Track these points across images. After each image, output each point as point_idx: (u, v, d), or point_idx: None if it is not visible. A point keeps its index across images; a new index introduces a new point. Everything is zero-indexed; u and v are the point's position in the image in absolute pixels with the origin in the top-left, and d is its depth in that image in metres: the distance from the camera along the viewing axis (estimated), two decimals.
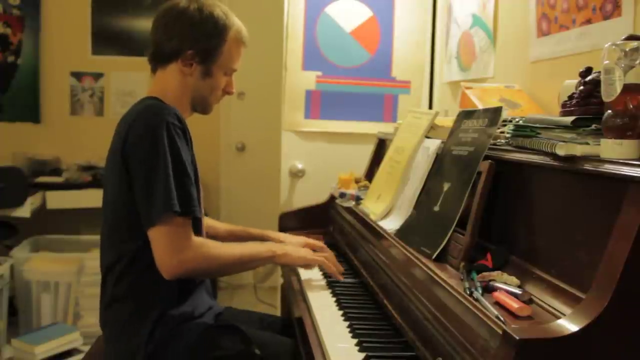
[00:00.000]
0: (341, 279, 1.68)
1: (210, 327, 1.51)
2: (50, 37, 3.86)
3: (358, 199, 2.10)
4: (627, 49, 0.96)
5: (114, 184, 1.47)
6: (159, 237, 1.39)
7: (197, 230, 1.52)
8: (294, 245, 1.82)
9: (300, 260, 1.64)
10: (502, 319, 0.91)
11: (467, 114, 1.50)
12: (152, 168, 1.39)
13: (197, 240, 1.44)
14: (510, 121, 1.31)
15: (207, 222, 1.88)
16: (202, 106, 1.62)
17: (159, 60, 1.59)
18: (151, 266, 1.43)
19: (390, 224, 1.65)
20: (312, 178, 2.97)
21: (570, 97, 1.17)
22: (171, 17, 1.55)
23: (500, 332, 0.85)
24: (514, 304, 0.97)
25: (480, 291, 1.04)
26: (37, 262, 3.13)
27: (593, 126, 1.05)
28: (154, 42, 1.58)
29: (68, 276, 3.10)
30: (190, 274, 1.45)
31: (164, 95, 1.56)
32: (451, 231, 1.29)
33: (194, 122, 1.66)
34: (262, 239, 1.87)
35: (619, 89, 0.96)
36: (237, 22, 1.60)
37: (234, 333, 1.51)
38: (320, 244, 1.89)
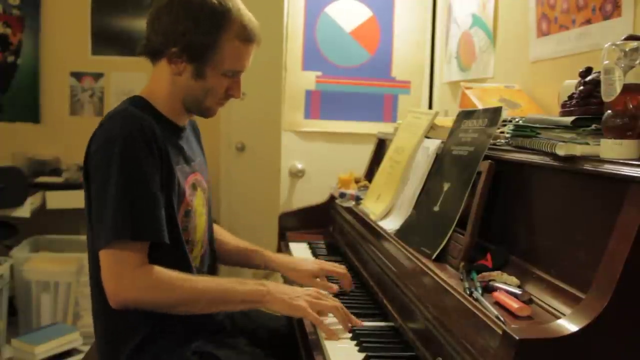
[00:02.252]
0: (348, 328, 1.34)
1: (192, 356, 1.35)
2: (50, 37, 3.86)
3: (358, 199, 2.10)
4: (627, 49, 0.96)
5: (84, 191, 1.38)
6: (104, 260, 1.25)
7: (177, 254, 1.36)
8: (308, 273, 1.59)
9: (297, 312, 1.35)
10: (502, 319, 0.91)
11: (467, 114, 1.50)
12: (102, 187, 1.26)
13: (147, 267, 1.26)
14: (510, 121, 1.32)
15: (219, 234, 1.70)
16: (197, 109, 1.44)
17: (149, 56, 1.42)
18: None
19: (390, 224, 1.64)
20: (312, 178, 2.97)
21: (570, 97, 1.17)
22: (160, 8, 1.37)
23: (500, 332, 0.85)
24: (514, 304, 0.97)
25: (480, 291, 1.04)
26: (36, 262, 3.13)
27: (593, 126, 1.05)
28: (145, 35, 1.40)
29: (68, 276, 3.10)
30: (136, 304, 1.26)
31: (154, 95, 1.42)
32: (451, 231, 1.29)
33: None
34: (266, 262, 1.66)
35: (618, 89, 0.96)
36: (241, 16, 1.36)
37: None
38: (339, 269, 1.62)
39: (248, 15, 1.39)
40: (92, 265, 1.37)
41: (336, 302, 1.38)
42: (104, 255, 1.26)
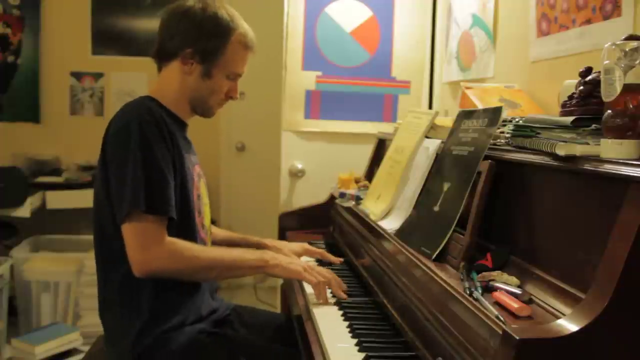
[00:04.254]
0: (344, 297, 1.53)
1: (199, 336, 1.48)
2: (50, 37, 3.86)
3: (358, 199, 2.10)
4: (627, 49, 0.96)
5: (97, 182, 1.48)
6: (127, 234, 1.38)
7: (190, 231, 1.49)
8: (291, 252, 1.78)
9: (293, 274, 1.54)
10: (502, 319, 0.91)
11: (467, 114, 1.50)
12: (122, 164, 1.39)
13: (168, 239, 1.40)
14: (510, 121, 1.32)
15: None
16: (201, 108, 1.60)
17: (161, 59, 1.58)
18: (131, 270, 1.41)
19: (390, 224, 1.65)
20: (312, 178, 2.97)
21: (570, 97, 1.17)
22: (175, 15, 1.55)
23: (500, 332, 0.85)
24: (514, 304, 0.97)
25: (480, 291, 1.04)
26: (37, 262, 3.13)
27: (593, 126, 1.06)
28: (158, 40, 1.57)
29: (68, 276, 3.10)
30: (160, 273, 1.40)
31: (163, 95, 1.56)
32: (451, 231, 1.29)
33: (194, 122, 1.65)
34: (259, 246, 1.83)
35: (619, 89, 0.96)
36: (243, 26, 1.57)
37: (222, 343, 1.49)
38: (320, 251, 1.86)
39: (247, 26, 1.60)
40: (98, 247, 1.50)
41: (329, 274, 1.55)
42: (128, 229, 1.38)
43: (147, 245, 1.37)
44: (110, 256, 1.46)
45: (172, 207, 1.41)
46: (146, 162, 1.39)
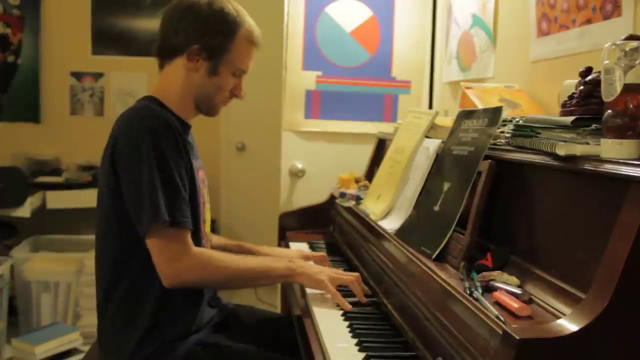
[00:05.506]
0: (364, 300, 1.51)
1: (195, 348, 1.45)
2: (50, 37, 3.86)
3: (358, 199, 2.10)
4: (627, 49, 0.96)
5: (103, 187, 1.44)
6: (153, 248, 1.37)
7: (196, 241, 1.46)
8: (297, 256, 1.79)
9: (318, 285, 1.51)
10: (502, 318, 0.91)
11: (467, 114, 1.50)
12: (137, 178, 1.35)
13: (196, 250, 1.40)
14: (510, 121, 1.32)
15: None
16: (206, 106, 1.55)
17: (165, 55, 1.53)
18: (137, 279, 1.40)
19: (390, 224, 1.65)
20: (312, 178, 2.97)
21: (570, 97, 1.17)
22: (179, 10, 1.50)
23: (500, 332, 0.85)
24: (514, 304, 0.97)
25: (480, 291, 1.04)
26: (37, 262, 3.13)
27: (593, 126, 1.06)
28: (161, 36, 1.52)
29: (68, 276, 3.10)
30: (191, 284, 1.40)
31: (165, 94, 1.51)
32: (451, 231, 1.29)
33: (194, 122, 1.65)
34: (251, 253, 1.82)
35: (619, 89, 0.96)
36: (249, 22, 1.54)
37: (218, 356, 1.47)
38: (319, 254, 1.86)
39: (252, 21, 1.56)
40: (101, 254, 1.47)
41: (352, 276, 1.54)
42: (153, 243, 1.36)
43: (176, 258, 1.36)
44: (110, 264, 1.43)
45: (186, 219, 1.39)
46: (161, 175, 1.36)
